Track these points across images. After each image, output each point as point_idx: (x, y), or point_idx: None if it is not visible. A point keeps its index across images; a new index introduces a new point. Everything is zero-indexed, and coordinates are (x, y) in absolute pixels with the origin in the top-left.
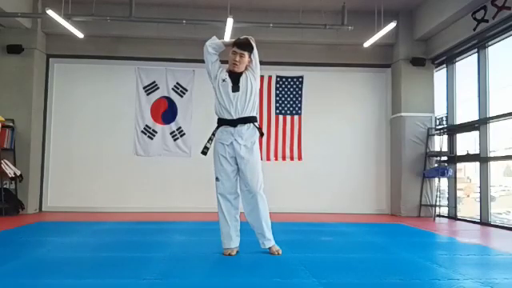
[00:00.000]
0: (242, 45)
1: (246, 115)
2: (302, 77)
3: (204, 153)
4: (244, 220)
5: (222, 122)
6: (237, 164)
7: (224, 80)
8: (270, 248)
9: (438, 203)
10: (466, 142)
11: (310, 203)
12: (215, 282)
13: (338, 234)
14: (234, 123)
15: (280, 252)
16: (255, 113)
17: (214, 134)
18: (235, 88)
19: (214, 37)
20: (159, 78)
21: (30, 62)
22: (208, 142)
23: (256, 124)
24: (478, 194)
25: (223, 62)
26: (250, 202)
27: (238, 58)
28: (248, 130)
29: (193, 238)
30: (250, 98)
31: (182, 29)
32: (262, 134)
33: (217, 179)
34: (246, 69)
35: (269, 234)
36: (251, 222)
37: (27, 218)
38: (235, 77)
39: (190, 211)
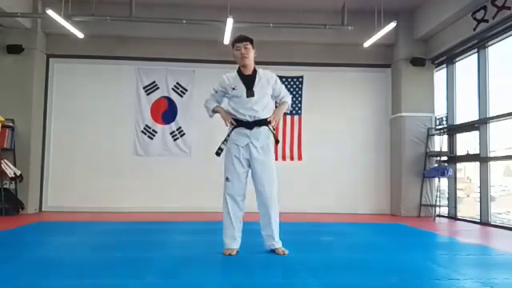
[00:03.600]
0: (242, 38)
1: (262, 117)
2: (301, 77)
3: (218, 154)
4: (246, 220)
5: (238, 123)
6: (249, 166)
7: (234, 88)
8: (276, 249)
9: (437, 203)
10: (466, 142)
11: (310, 203)
12: (215, 282)
13: (338, 234)
14: (250, 126)
15: (286, 253)
16: (270, 114)
17: (229, 136)
18: (250, 93)
19: (208, 105)
20: (159, 78)
21: (30, 62)
22: (223, 143)
23: (270, 126)
24: (478, 194)
25: (224, 62)
26: (265, 204)
27: (243, 51)
28: (264, 131)
29: (193, 238)
30: (266, 102)
31: (182, 29)
32: (277, 142)
33: (227, 179)
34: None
35: (277, 236)
36: (262, 224)
37: (27, 217)
38: (249, 80)
39: (190, 211)
